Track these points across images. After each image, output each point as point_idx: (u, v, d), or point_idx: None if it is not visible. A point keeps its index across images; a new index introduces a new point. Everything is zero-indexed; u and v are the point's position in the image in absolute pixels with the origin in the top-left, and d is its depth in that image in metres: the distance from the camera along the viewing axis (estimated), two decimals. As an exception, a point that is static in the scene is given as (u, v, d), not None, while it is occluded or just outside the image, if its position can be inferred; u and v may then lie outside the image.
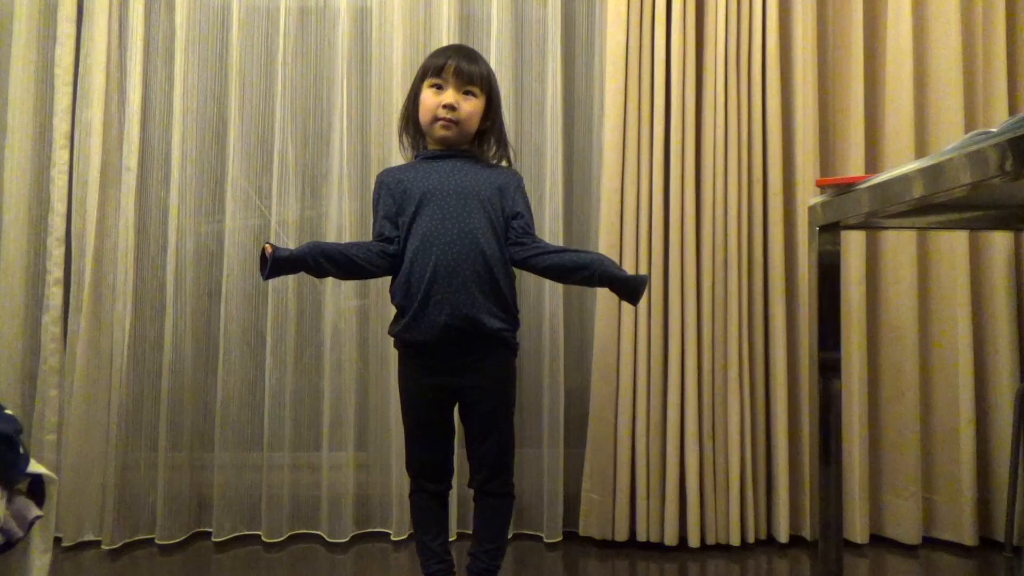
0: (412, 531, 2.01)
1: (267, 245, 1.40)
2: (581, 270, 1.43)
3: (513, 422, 1.53)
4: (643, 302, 1.99)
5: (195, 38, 2.07)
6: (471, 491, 1.54)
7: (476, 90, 1.51)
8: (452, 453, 1.57)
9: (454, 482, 1.61)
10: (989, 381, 2.04)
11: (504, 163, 1.63)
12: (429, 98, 1.51)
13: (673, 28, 2.00)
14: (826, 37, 2.12)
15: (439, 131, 1.51)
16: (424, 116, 1.53)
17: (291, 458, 2.05)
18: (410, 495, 1.56)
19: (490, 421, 1.48)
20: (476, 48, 1.62)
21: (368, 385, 2.08)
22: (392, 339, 1.55)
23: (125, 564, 1.89)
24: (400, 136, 1.63)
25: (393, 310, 1.52)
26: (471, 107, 1.51)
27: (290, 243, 2.06)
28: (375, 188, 1.57)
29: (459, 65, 1.49)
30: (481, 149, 1.58)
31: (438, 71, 1.50)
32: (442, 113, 1.49)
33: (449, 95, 1.49)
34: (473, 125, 1.52)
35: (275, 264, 1.39)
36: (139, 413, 2.02)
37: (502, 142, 1.61)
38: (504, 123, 1.63)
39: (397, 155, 1.96)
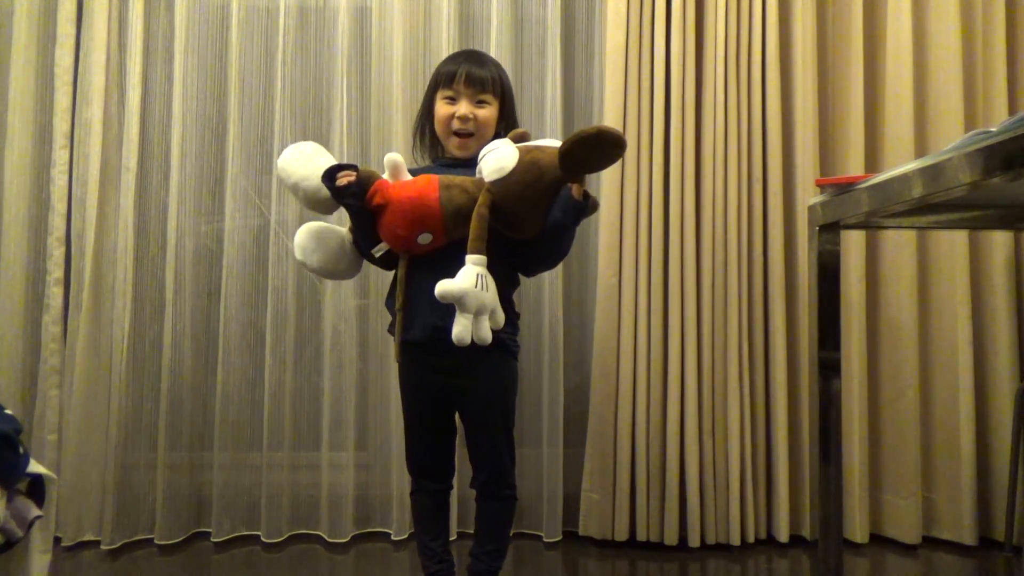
0: (412, 531, 2.01)
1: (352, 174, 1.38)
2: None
3: (512, 426, 1.51)
4: (643, 302, 1.99)
5: (195, 38, 2.07)
6: (472, 490, 1.53)
7: (489, 97, 1.50)
8: (453, 453, 1.57)
9: (455, 482, 1.60)
10: (989, 381, 2.04)
11: None
12: (442, 109, 1.50)
13: (673, 28, 2.00)
14: (826, 37, 2.12)
15: (455, 150, 1.51)
16: (439, 128, 1.52)
17: (291, 458, 2.05)
18: (411, 494, 1.56)
19: (486, 424, 1.47)
20: (476, 47, 1.61)
21: (368, 385, 2.08)
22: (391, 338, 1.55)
23: (125, 564, 1.89)
24: (415, 146, 1.62)
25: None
26: (485, 114, 1.50)
27: (290, 243, 2.06)
28: None
29: (470, 72, 1.48)
30: None
31: (450, 81, 1.49)
32: (456, 125, 1.48)
33: (463, 107, 1.48)
34: (489, 132, 1.51)
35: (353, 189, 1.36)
36: (139, 413, 2.02)
37: None
38: (517, 122, 1.60)
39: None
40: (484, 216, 1.30)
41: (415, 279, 1.41)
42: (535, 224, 1.34)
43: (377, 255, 1.44)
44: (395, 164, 1.39)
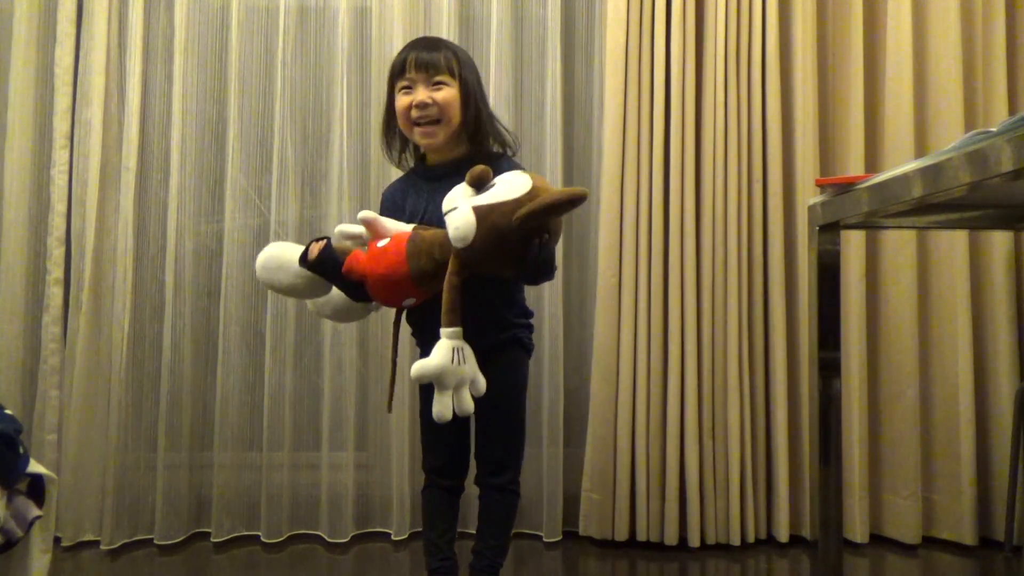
0: (413, 530, 2.02)
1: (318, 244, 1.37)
2: None
3: (524, 421, 1.52)
4: (643, 302, 1.99)
5: (194, 38, 2.07)
6: (473, 488, 1.53)
7: (445, 78, 1.44)
8: (468, 450, 1.54)
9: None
10: (989, 381, 2.03)
11: (508, 151, 1.54)
12: (400, 101, 1.45)
13: (673, 28, 2.00)
14: (826, 37, 2.12)
15: (421, 139, 1.47)
16: (401, 122, 1.47)
17: (291, 458, 2.05)
18: (422, 490, 1.54)
19: (498, 418, 1.47)
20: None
21: (368, 385, 2.08)
22: (404, 332, 1.55)
23: (124, 564, 1.89)
24: (385, 148, 1.57)
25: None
26: (444, 96, 1.43)
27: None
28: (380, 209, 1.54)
29: (419, 56, 1.43)
30: (479, 150, 1.49)
31: (401, 70, 1.45)
32: (415, 114, 1.43)
33: (419, 93, 1.43)
34: (454, 115, 1.45)
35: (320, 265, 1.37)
36: (139, 413, 2.02)
37: (492, 129, 1.51)
38: (487, 107, 1.52)
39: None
40: (455, 286, 1.28)
41: (414, 315, 1.44)
42: (511, 270, 1.33)
43: (375, 310, 1.47)
44: (368, 222, 1.34)
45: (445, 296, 1.27)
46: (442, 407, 1.24)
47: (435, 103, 1.42)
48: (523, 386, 1.53)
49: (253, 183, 2.10)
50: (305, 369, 2.09)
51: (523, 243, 1.26)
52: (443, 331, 1.26)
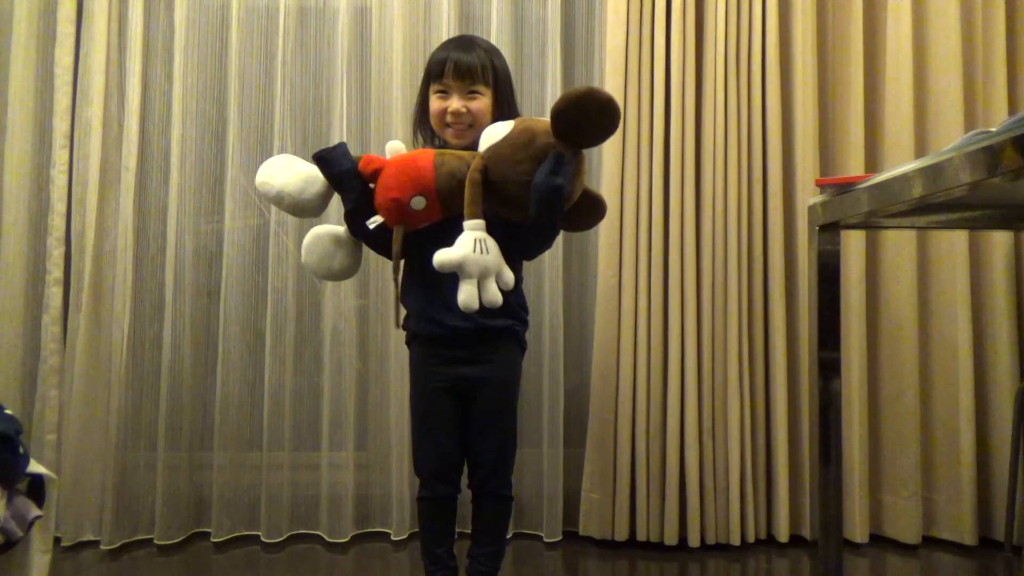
0: (413, 531, 2.01)
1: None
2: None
3: (516, 421, 1.52)
4: (643, 302, 1.99)
5: (194, 38, 2.07)
6: (470, 492, 1.52)
7: (480, 87, 1.47)
8: (463, 452, 1.52)
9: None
10: (989, 381, 2.04)
11: None
12: (435, 104, 1.49)
13: (673, 28, 2.00)
14: (826, 37, 2.12)
15: (453, 139, 1.50)
16: (434, 122, 1.51)
17: (290, 458, 2.05)
18: (418, 499, 1.52)
19: (493, 415, 1.47)
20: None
21: (368, 385, 2.08)
22: (404, 335, 1.55)
23: (124, 564, 1.89)
24: (415, 140, 1.60)
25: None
26: (478, 106, 1.47)
27: (289, 243, 2.06)
28: None
29: (459, 61, 1.46)
30: None
31: (440, 73, 1.48)
32: (450, 119, 1.47)
33: (454, 102, 1.46)
34: (485, 121, 1.48)
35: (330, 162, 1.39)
36: (138, 413, 2.02)
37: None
38: (516, 107, 1.57)
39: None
40: (477, 181, 1.30)
41: (422, 281, 1.41)
42: (523, 191, 1.32)
43: (372, 226, 1.39)
44: (397, 151, 1.40)
45: (467, 191, 1.29)
46: (467, 295, 1.24)
47: (468, 111, 1.47)
48: (518, 384, 1.53)
49: (253, 183, 2.10)
50: (305, 369, 2.09)
51: (545, 153, 1.29)
52: (466, 223, 1.27)
